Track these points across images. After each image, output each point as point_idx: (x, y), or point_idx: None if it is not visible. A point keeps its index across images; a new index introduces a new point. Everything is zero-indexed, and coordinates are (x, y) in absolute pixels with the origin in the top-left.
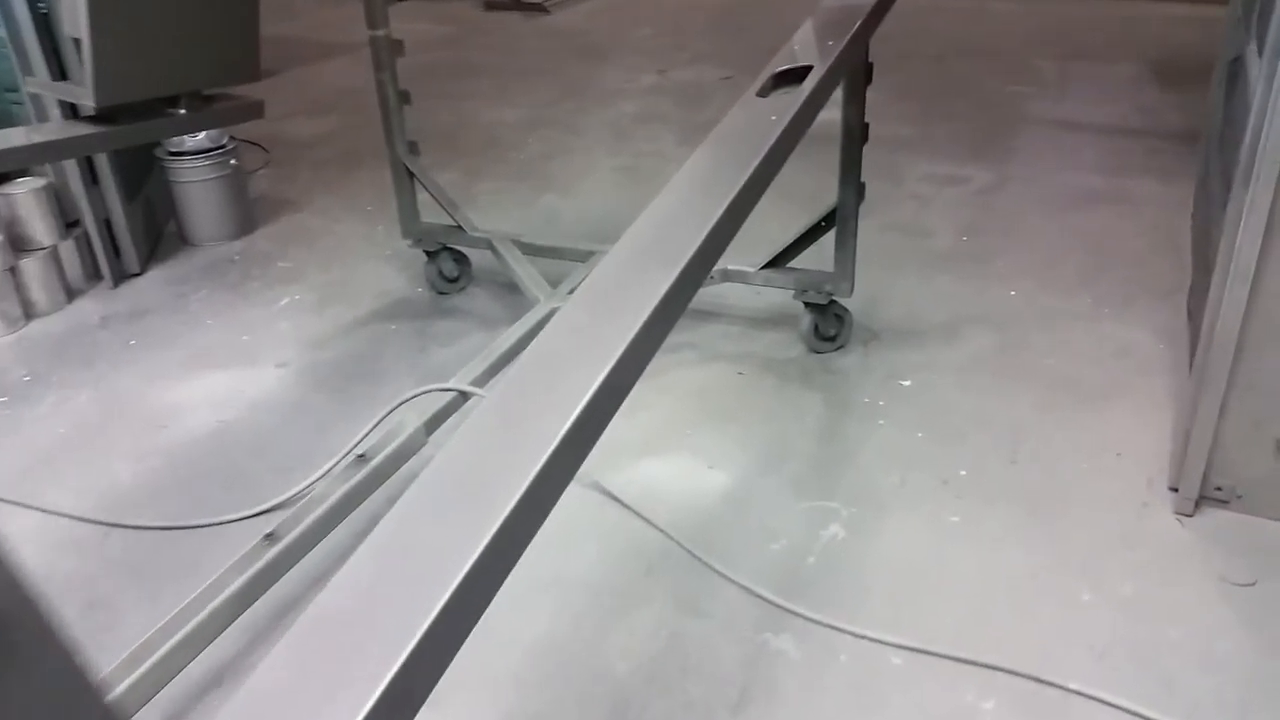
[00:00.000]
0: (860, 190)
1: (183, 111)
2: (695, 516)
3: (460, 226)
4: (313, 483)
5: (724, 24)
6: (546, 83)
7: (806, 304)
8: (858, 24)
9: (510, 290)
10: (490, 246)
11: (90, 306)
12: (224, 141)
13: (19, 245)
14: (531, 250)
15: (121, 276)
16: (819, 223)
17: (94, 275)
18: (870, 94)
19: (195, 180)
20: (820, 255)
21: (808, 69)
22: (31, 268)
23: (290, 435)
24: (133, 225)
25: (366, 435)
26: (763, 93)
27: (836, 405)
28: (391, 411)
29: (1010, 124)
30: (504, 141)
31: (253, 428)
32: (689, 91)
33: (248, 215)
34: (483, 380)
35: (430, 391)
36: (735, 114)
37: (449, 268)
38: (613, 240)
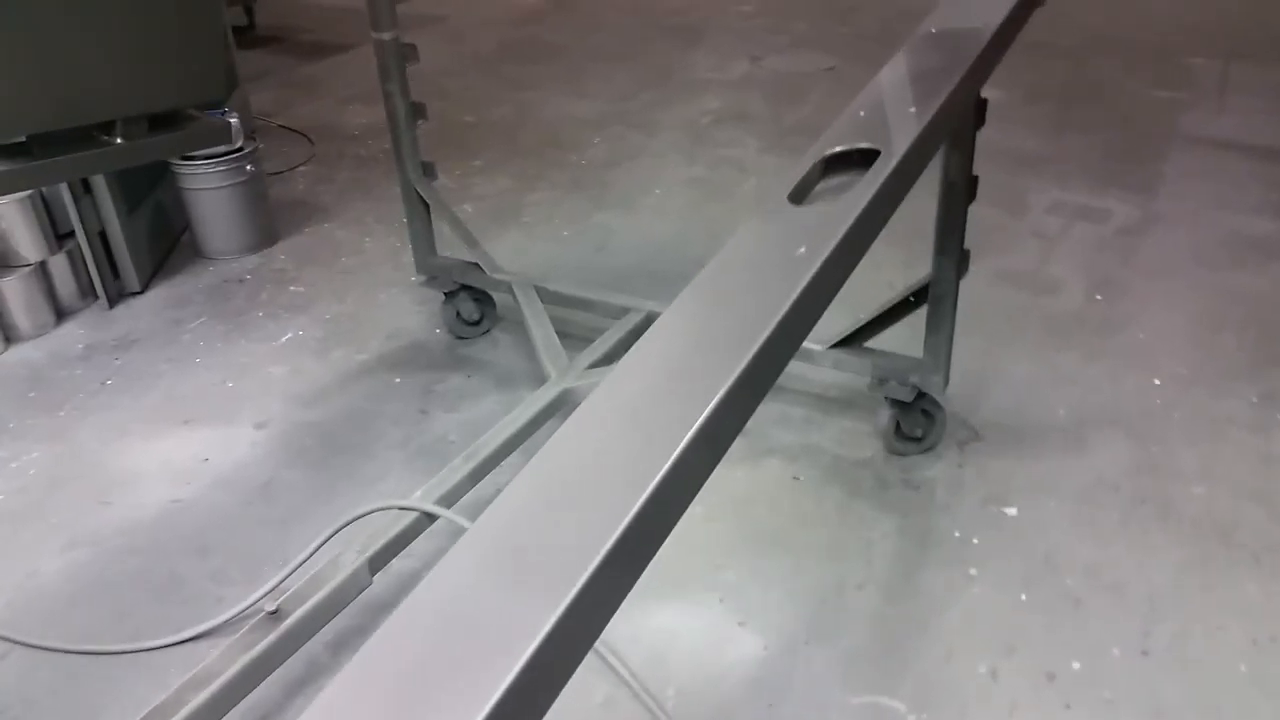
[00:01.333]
0: (963, 261)
1: (119, 141)
2: (712, 703)
3: (479, 265)
4: (237, 615)
5: (833, 2)
6: (626, 70)
7: (887, 396)
8: (965, 69)
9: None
10: (510, 292)
11: (77, 332)
12: (239, 144)
13: (1, 261)
14: (558, 300)
15: (119, 295)
16: (907, 298)
17: (90, 293)
18: (991, 92)
19: (207, 188)
20: (909, 331)
21: (874, 154)
22: (13, 287)
23: (247, 528)
24: (133, 238)
25: (289, 574)
26: (800, 193)
27: (916, 539)
28: (328, 540)
29: (1158, 141)
30: (567, 140)
31: (208, 512)
32: (784, 84)
33: (267, 226)
34: (460, 492)
35: (384, 510)
36: (748, 237)
37: (468, 309)
38: (667, 285)
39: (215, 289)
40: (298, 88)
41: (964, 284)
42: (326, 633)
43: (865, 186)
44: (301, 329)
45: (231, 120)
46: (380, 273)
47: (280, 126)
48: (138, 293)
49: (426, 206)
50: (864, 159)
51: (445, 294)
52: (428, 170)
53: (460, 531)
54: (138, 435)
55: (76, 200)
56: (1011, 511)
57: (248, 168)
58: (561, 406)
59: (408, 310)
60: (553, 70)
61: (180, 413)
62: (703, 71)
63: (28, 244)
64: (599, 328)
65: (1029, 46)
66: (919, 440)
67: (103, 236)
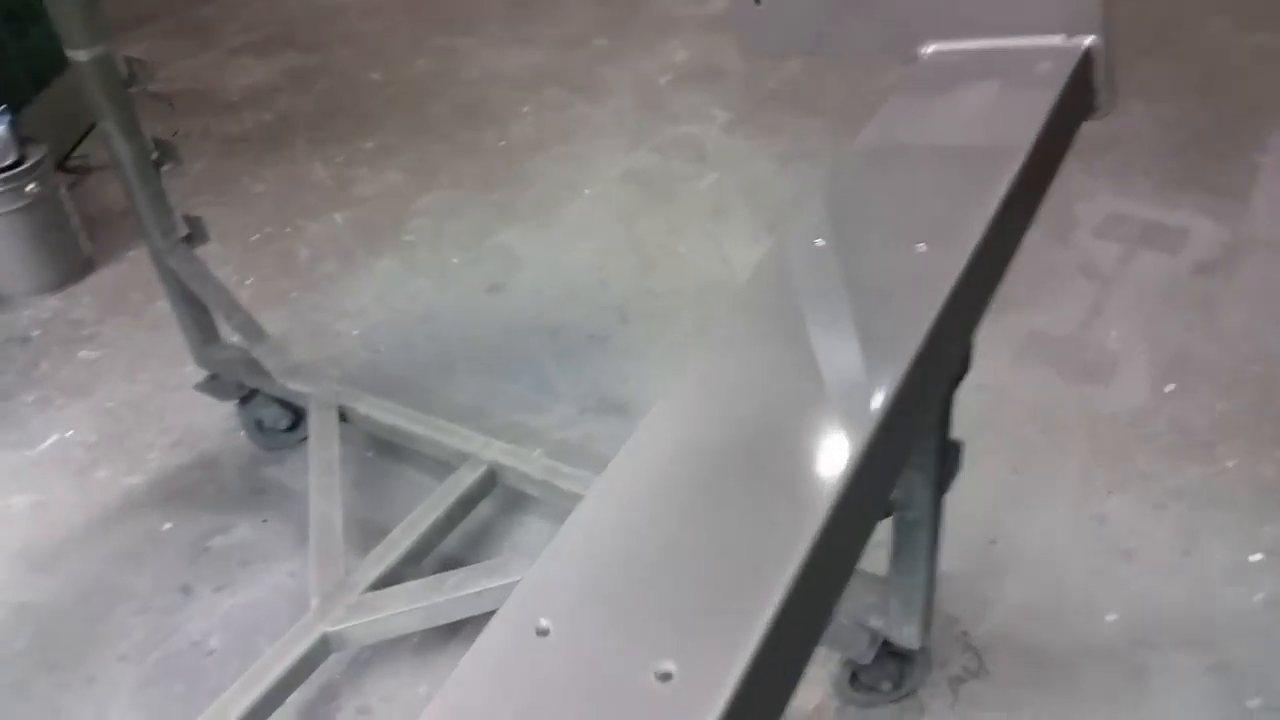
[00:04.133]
0: (947, 469)
1: None
2: None
3: (263, 368)
4: None
5: None
6: (582, 3)
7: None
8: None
9: (383, 454)
10: (302, 413)
11: None
12: (6, 158)
13: None
14: (371, 426)
15: None
16: None
17: None
18: None
19: None
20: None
21: None
22: None
23: None
24: None
25: None
26: None
27: None
28: None
29: (1256, 113)
30: (488, 110)
31: None
32: None
33: (73, 256)
34: None
35: None
36: None
37: (271, 415)
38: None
39: None
40: (184, 35)
41: (974, 373)
42: None
43: None
44: (72, 427)
45: None
46: None
47: (149, 93)
48: None
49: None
50: None
51: (239, 399)
52: (194, 229)
53: None
54: None
55: None
56: None
57: (28, 188)
58: (319, 659)
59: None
60: (494, 8)
61: None
62: (675, 5)
63: None
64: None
65: None
66: (890, 688)
67: None
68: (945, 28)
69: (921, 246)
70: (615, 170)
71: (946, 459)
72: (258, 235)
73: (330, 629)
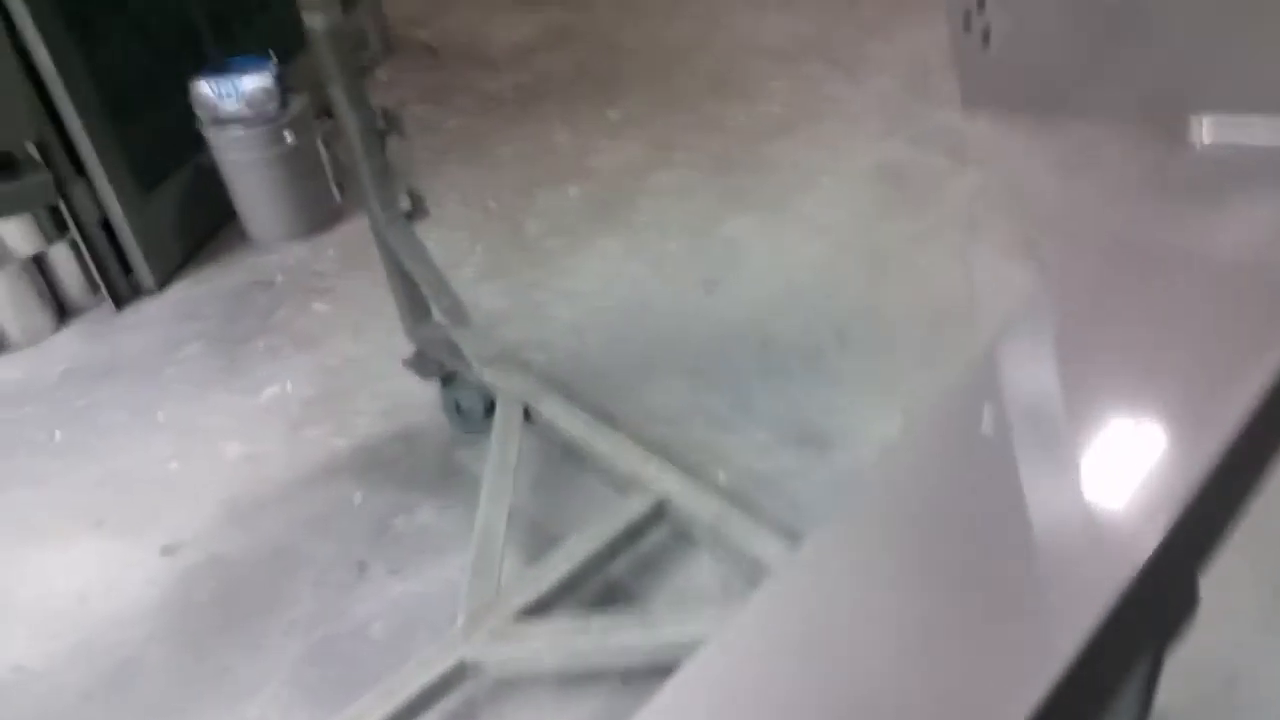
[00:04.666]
0: None
1: None
2: None
3: (463, 353)
4: None
5: None
6: None
7: None
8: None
9: (569, 456)
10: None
11: (69, 346)
12: (268, 107)
13: None
14: (551, 434)
15: (133, 293)
16: None
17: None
18: None
19: (238, 160)
20: None
21: None
22: None
23: None
24: (146, 226)
25: None
26: None
27: None
28: None
29: None
30: (739, 82)
31: (38, 702)
32: None
33: (322, 206)
34: None
35: None
36: None
37: (469, 399)
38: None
39: (236, 295)
40: None
41: None
42: None
43: None
44: (292, 381)
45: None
46: None
47: (420, 43)
48: (155, 291)
49: (403, 264)
50: None
51: (441, 379)
52: (416, 205)
53: None
54: (36, 537)
55: (61, 185)
56: None
57: (288, 137)
58: (456, 683)
59: None
60: None
61: (99, 506)
62: None
63: (16, 235)
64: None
65: None
66: None
67: (107, 226)
68: (1228, 96)
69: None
70: (863, 161)
71: None
72: (494, 202)
73: (470, 656)
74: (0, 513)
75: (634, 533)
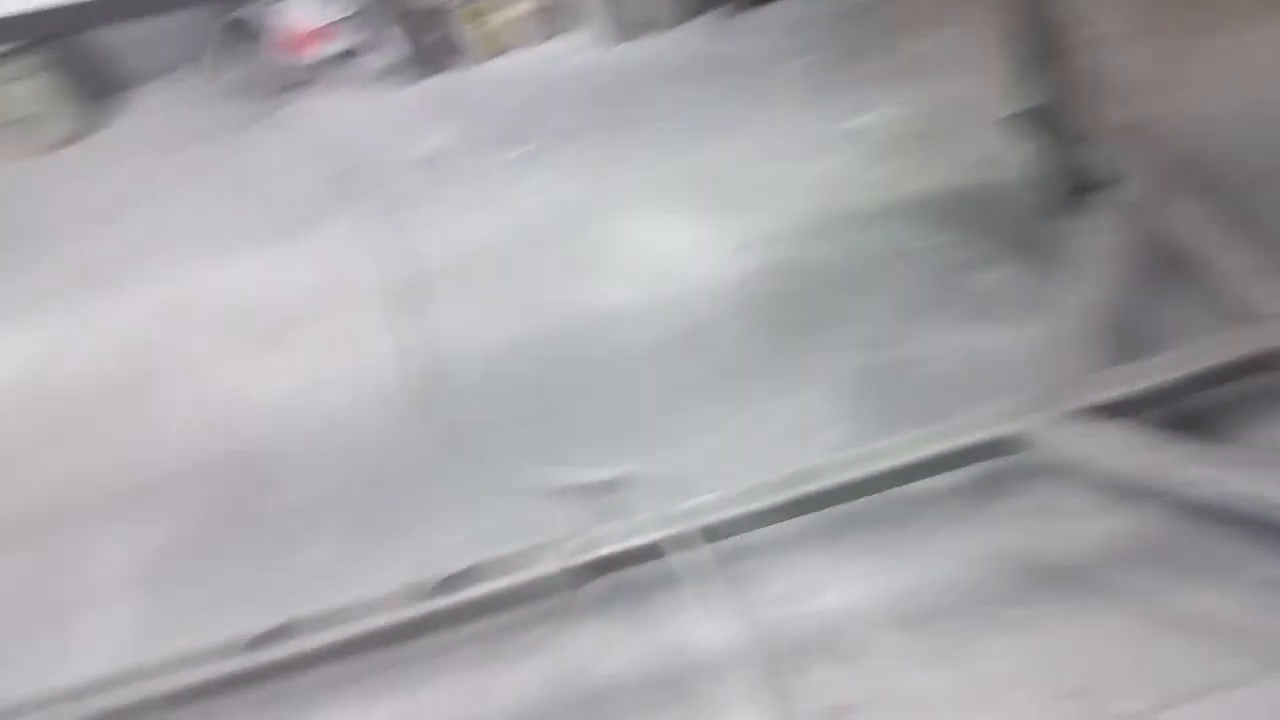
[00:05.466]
0: None
1: None
2: None
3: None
4: None
5: None
6: None
7: None
8: None
9: (1180, 264)
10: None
11: (706, 29)
12: None
13: None
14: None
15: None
16: None
17: None
18: None
19: None
20: None
21: None
22: None
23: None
24: None
25: None
26: None
27: None
28: None
29: None
30: None
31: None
32: None
33: None
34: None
35: None
36: None
37: (1071, 173)
38: None
39: (850, 15)
40: None
41: None
42: None
43: None
44: (888, 109)
45: None
46: None
47: None
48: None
49: None
50: None
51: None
52: None
53: None
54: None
55: None
56: None
57: None
58: (1001, 453)
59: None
60: None
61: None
62: None
63: None
64: None
65: None
66: None
67: None
68: None
69: None
70: None
71: None
72: None
73: (1028, 430)
74: (619, 183)
75: (1243, 369)
